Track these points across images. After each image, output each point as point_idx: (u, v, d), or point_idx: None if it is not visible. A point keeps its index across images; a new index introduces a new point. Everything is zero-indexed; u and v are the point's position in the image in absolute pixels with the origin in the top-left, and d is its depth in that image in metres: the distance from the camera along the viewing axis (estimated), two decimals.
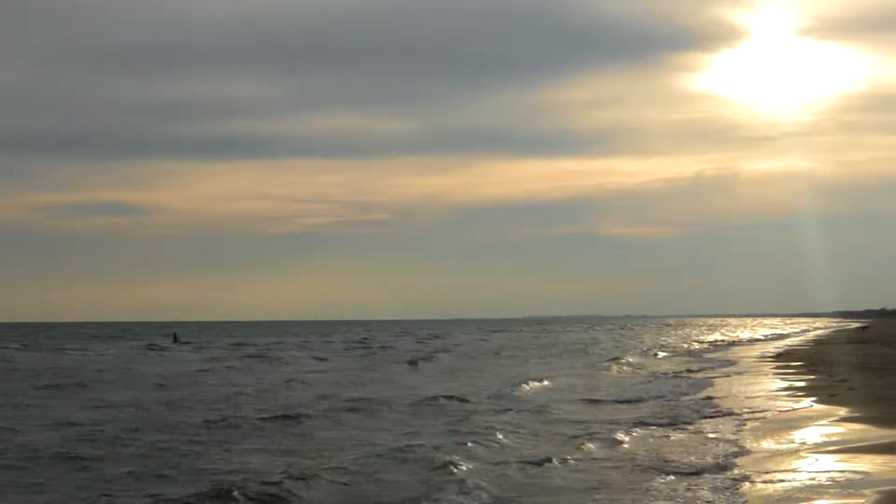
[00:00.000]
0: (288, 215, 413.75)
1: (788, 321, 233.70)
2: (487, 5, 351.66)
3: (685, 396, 30.60)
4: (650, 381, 38.29)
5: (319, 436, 21.35)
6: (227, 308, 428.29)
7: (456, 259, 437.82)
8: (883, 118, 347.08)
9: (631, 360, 53.76)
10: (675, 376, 40.56)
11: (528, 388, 34.19)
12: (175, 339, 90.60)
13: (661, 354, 62.54)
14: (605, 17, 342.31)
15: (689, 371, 43.71)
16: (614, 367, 47.31)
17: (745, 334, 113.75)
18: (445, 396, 30.10)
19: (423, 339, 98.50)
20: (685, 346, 78.28)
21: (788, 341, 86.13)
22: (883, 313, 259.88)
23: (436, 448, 18.41)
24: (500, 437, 20.57)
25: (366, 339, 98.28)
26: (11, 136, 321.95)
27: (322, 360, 57.04)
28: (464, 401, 29.21)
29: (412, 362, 51.82)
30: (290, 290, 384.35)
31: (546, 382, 36.75)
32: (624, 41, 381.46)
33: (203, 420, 23.57)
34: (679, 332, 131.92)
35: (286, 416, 24.28)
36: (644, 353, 64.03)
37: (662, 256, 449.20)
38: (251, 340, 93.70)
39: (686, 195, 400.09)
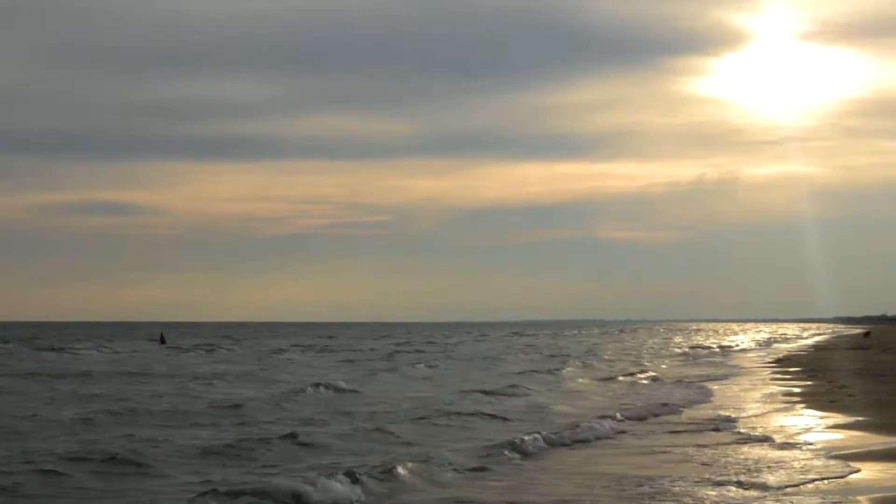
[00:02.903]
0: (287, 216, 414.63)
1: (789, 326, 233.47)
2: (488, 8, 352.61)
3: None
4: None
5: None
6: (225, 309, 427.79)
7: (456, 262, 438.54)
8: (884, 123, 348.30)
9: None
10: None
11: None
12: (162, 341, 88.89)
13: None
14: (607, 19, 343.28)
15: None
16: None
17: (742, 337, 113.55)
18: None
19: (474, 343, 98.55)
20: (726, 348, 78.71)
21: (789, 346, 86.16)
22: (883, 319, 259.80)
23: None
24: None
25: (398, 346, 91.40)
26: (11, 135, 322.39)
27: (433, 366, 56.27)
28: None
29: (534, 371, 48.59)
30: (290, 291, 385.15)
31: None
32: (626, 44, 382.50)
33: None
34: (697, 337, 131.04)
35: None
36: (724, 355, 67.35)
37: (663, 260, 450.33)
38: (299, 342, 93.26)
39: (687, 199, 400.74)
